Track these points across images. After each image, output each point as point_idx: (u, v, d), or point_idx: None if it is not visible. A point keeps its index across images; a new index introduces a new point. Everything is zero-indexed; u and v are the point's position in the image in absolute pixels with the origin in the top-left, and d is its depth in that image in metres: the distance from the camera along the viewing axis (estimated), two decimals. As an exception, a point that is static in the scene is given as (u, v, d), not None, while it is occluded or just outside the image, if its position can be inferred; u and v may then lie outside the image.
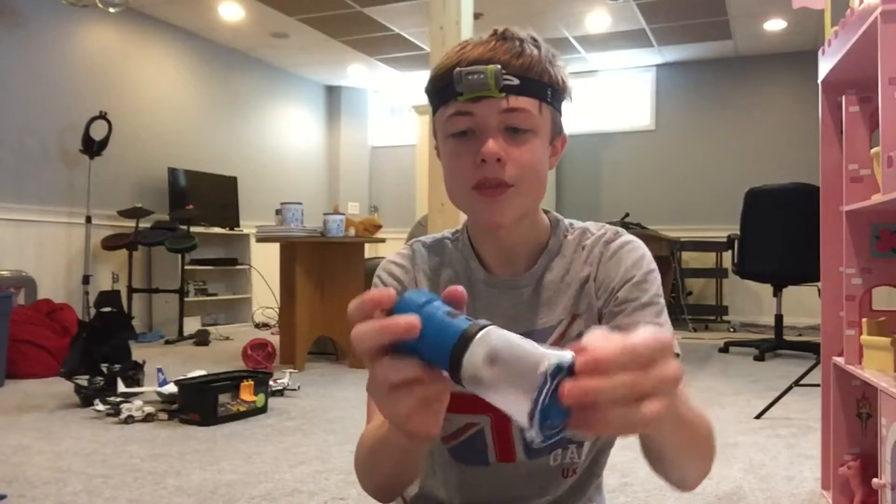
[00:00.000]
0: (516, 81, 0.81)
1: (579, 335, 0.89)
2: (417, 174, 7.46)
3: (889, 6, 1.35)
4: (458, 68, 0.81)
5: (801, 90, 6.64)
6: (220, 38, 6.69)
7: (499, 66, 0.80)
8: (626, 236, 0.93)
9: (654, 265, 0.90)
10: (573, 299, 0.91)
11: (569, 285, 0.91)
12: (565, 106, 0.90)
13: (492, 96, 0.80)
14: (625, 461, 2.09)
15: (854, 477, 1.67)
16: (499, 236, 0.90)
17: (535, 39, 0.85)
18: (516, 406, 0.48)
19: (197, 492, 1.92)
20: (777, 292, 4.72)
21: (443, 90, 0.84)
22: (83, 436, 2.53)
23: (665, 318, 0.87)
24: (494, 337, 0.51)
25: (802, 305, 5.83)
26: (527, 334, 0.90)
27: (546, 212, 0.96)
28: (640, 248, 0.91)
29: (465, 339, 0.51)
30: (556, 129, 0.89)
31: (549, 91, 0.84)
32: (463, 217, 0.94)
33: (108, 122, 5.28)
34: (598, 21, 6.14)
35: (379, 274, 0.96)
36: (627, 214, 5.99)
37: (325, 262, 4.23)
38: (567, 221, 0.97)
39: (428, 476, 0.99)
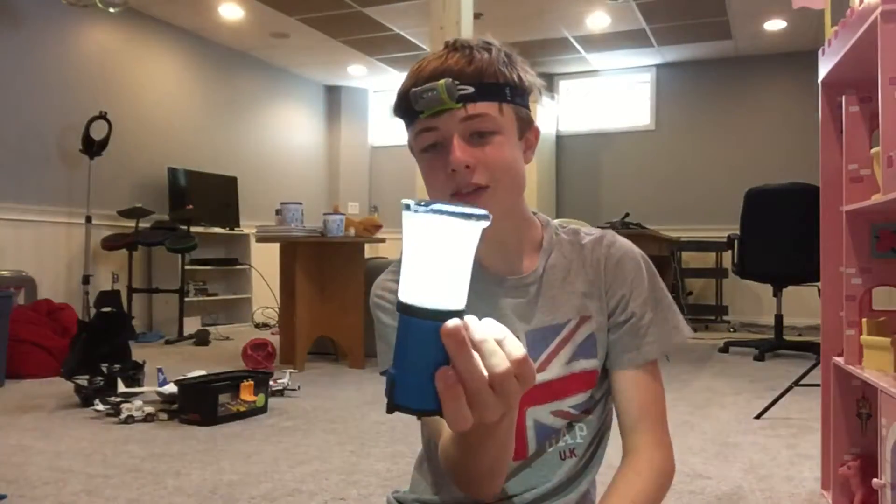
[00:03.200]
0: (471, 89, 0.84)
1: (588, 337, 0.94)
2: (417, 174, 7.42)
3: (889, 6, 1.35)
4: (413, 89, 0.85)
5: (801, 90, 6.64)
6: (220, 38, 6.70)
7: (449, 80, 0.83)
8: (623, 241, 0.98)
9: (652, 267, 0.97)
10: (580, 300, 0.94)
11: (572, 284, 0.95)
12: (533, 101, 0.93)
13: (450, 108, 0.84)
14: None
15: (854, 477, 1.67)
16: (488, 234, 0.91)
17: (486, 44, 0.88)
18: None
19: (197, 492, 1.92)
20: (777, 292, 4.72)
21: (406, 111, 0.88)
22: (83, 436, 2.53)
23: (673, 313, 0.96)
24: None
25: (802, 305, 5.84)
26: (534, 331, 0.92)
27: (534, 213, 0.99)
28: (636, 253, 0.97)
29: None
30: (524, 123, 0.91)
31: (508, 90, 0.87)
32: None
33: (108, 122, 5.28)
34: (598, 21, 6.14)
35: (378, 293, 0.96)
36: (627, 214, 5.98)
37: (325, 262, 4.23)
38: (555, 222, 1.01)
39: (439, 486, 0.99)
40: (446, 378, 0.54)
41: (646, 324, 0.93)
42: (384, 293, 0.95)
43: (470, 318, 0.57)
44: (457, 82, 0.83)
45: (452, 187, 0.86)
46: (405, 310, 0.56)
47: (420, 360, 0.56)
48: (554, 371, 0.93)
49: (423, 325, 0.55)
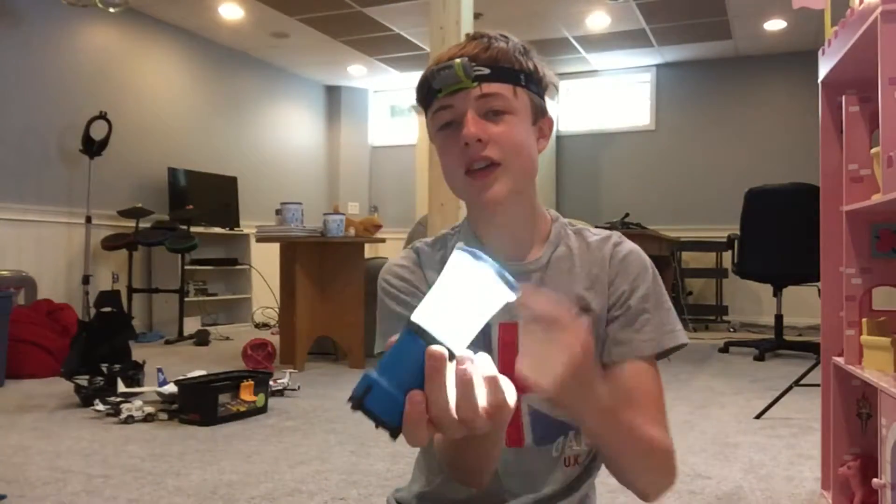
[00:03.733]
0: (487, 70, 0.87)
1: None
2: (417, 174, 7.46)
3: (889, 6, 1.35)
4: (431, 69, 0.89)
5: (801, 90, 6.64)
6: (220, 38, 6.69)
7: (466, 59, 0.87)
8: (630, 242, 0.99)
9: (657, 272, 0.97)
10: (583, 293, 0.94)
11: (576, 277, 0.95)
12: (548, 95, 0.95)
13: (466, 87, 0.87)
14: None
15: (854, 477, 1.67)
16: (497, 216, 0.93)
17: (504, 36, 0.91)
18: None
19: (197, 492, 1.92)
20: (777, 292, 4.72)
21: (426, 94, 0.91)
22: (83, 436, 2.53)
23: (672, 319, 0.95)
24: None
25: (802, 305, 5.83)
26: (536, 318, 0.90)
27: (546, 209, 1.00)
28: (643, 254, 0.98)
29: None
30: (538, 111, 0.93)
31: (522, 76, 0.90)
32: (462, 214, 0.96)
33: (108, 122, 5.28)
34: (598, 21, 6.14)
35: (386, 278, 0.96)
36: (627, 214, 5.98)
37: (325, 262, 4.23)
38: (565, 220, 1.02)
39: (434, 474, 1.00)
40: (414, 402, 0.57)
41: (643, 321, 0.93)
42: (394, 280, 0.96)
43: (473, 356, 0.60)
44: (473, 63, 0.86)
45: (465, 162, 0.88)
46: (413, 328, 0.59)
47: (404, 378, 0.59)
48: None
49: (422, 348, 0.58)
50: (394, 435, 0.60)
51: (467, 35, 0.93)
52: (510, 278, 0.61)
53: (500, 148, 0.87)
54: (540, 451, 0.93)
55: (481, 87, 0.87)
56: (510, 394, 0.60)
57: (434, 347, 0.57)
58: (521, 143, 0.89)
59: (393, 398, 0.59)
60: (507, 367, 0.90)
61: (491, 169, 0.87)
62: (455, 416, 0.58)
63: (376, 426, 0.60)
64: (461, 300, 0.60)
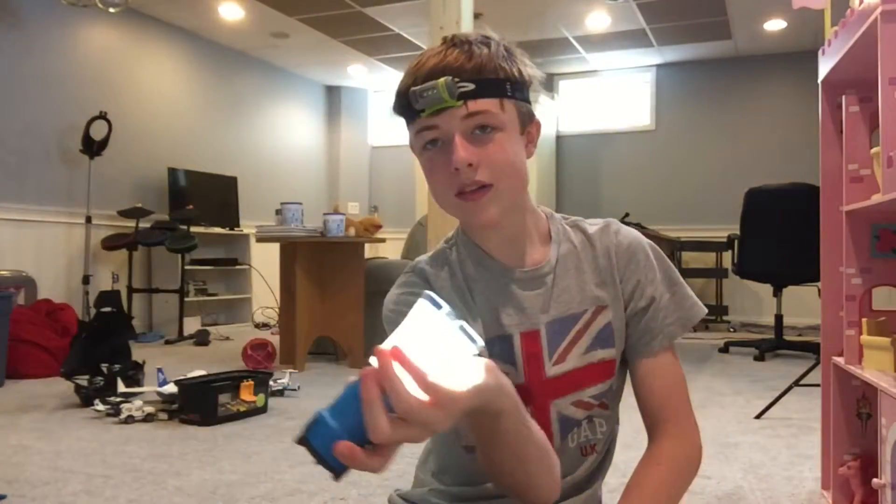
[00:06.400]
0: (471, 86, 0.83)
1: (606, 326, 0.94)
2: (417, 174, 7.46)
3: (889, 6, 1.35)
4: (412, 88, 0.84)
5: (801, 90, 6.64)
6: (220, 38, 6.70)
7: (449, 77, 0.82)
8: (628, 228, 0.99)
9: (659, 250, 0.98)
10: (594, 289, 0.94)
11: (585, 273, 0.95)
12: (533, 90, 0.92)
13: (450, 106, 0.82)
14: (625, 461, 2.08)
15: (854, 477, 1.67)
16: (497, 230, 0.92)
17: (485, 38, 0.87)
18: None
19: (197, 492, 1.92)
20: (777, 292, 4.72)
21: (406, 109, 0.87)
22: (83, 436, 2.53)
23: (688, 291, 0.97)
24: None
25: (802, 305, 5.83)
26: (552, 322, 0.94)
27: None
28: (642, 238, 0.98)
29: None
30: (525, 118, 0.90)
31: (508, 85, 0.86)
32: None
33: (108, 122, 5.28)
34: (598, 21, 6.14)
35: (392, 309, 0.94)
36: (627, 214, 5.99)
37: (325, 262, 4.23)
38: (558, 215, 1.02)
39: (441, 476, 1.00)
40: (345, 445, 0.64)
41: (665, 304, 0.94)
42: (401, 308, 0.92)
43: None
44: (456, 80, 0.82)
45: (456, 186, 0.85)
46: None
47: (351, 420, 0.63)
48: (572, 362, 0.92)
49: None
50: (336, 475, 0.61)
51: (445, 39, 0.88)
52: (472, 332, 0.64)
53: (491, 170, 0.85)
54: (562, 447, 0.94)
55: (467, 106, 0.83)
56: (449, 382, 0.65)
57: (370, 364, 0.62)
58: (510, 161, 0.86)
59: (336, 437, 0.59)
60: (533, 374, 0.91)
61: (483, 191, 0.85)
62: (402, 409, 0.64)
63: (315, 462, 0.60)
64: (420, 350, 0.62)
